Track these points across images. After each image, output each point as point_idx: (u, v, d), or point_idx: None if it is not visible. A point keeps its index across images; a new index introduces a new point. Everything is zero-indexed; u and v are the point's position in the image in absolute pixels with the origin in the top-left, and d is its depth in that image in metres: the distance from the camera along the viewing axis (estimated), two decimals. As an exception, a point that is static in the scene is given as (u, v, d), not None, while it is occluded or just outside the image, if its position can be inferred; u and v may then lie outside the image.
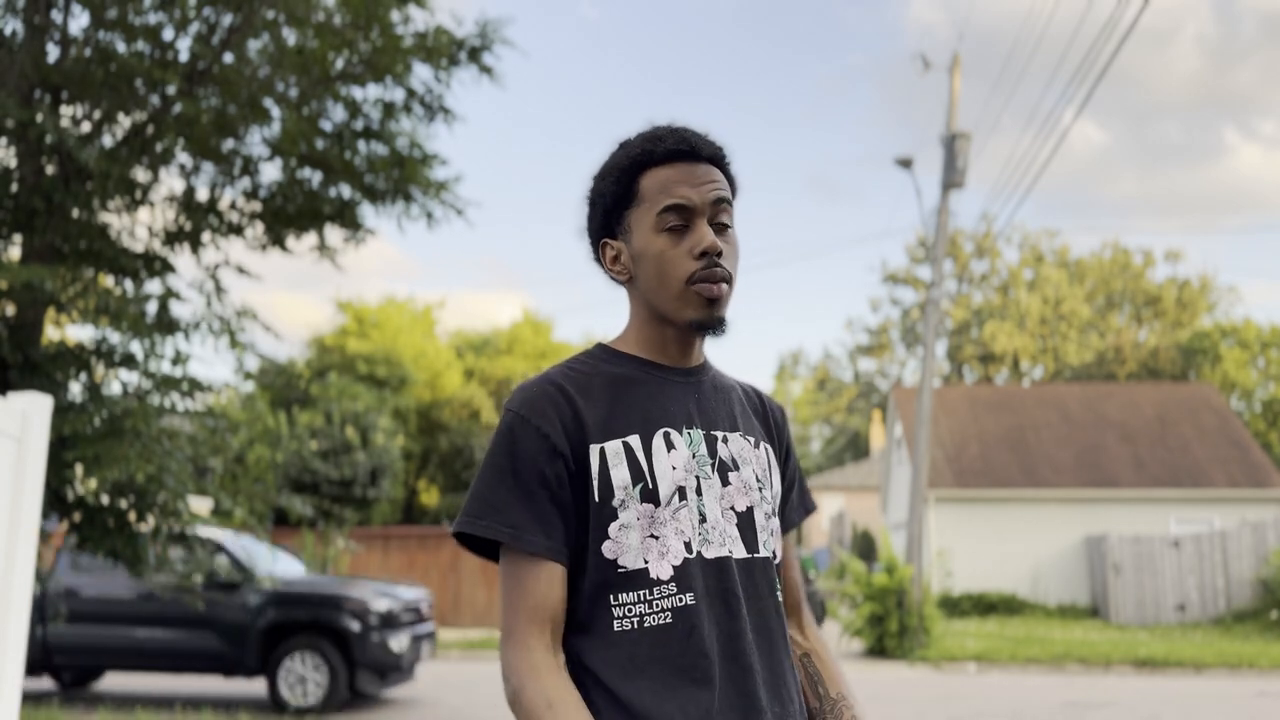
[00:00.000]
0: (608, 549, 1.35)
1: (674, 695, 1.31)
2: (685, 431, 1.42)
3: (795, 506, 1.61)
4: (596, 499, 1.36)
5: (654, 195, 1.42)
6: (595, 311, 69.90)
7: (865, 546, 28.48)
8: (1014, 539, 21.36)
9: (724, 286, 1.41)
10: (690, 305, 1.41)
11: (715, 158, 1.46)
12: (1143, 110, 66.38)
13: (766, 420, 1.58)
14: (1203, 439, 22.97)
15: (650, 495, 1.36)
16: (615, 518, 1.36)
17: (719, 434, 1.45)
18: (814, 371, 52.68)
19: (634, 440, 1.39)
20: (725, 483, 1.42)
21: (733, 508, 1.42)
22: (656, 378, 1.46)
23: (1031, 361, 42.37)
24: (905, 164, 15.57)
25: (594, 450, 1.37)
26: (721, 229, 1.44)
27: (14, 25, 6.66)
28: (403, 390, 28.28)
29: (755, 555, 1.43)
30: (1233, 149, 67.49)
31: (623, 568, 1.35)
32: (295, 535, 17.01)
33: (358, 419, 22.09)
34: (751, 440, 1.49)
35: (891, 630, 13.84)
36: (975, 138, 14.98)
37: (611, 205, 1.46)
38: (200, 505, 12.87)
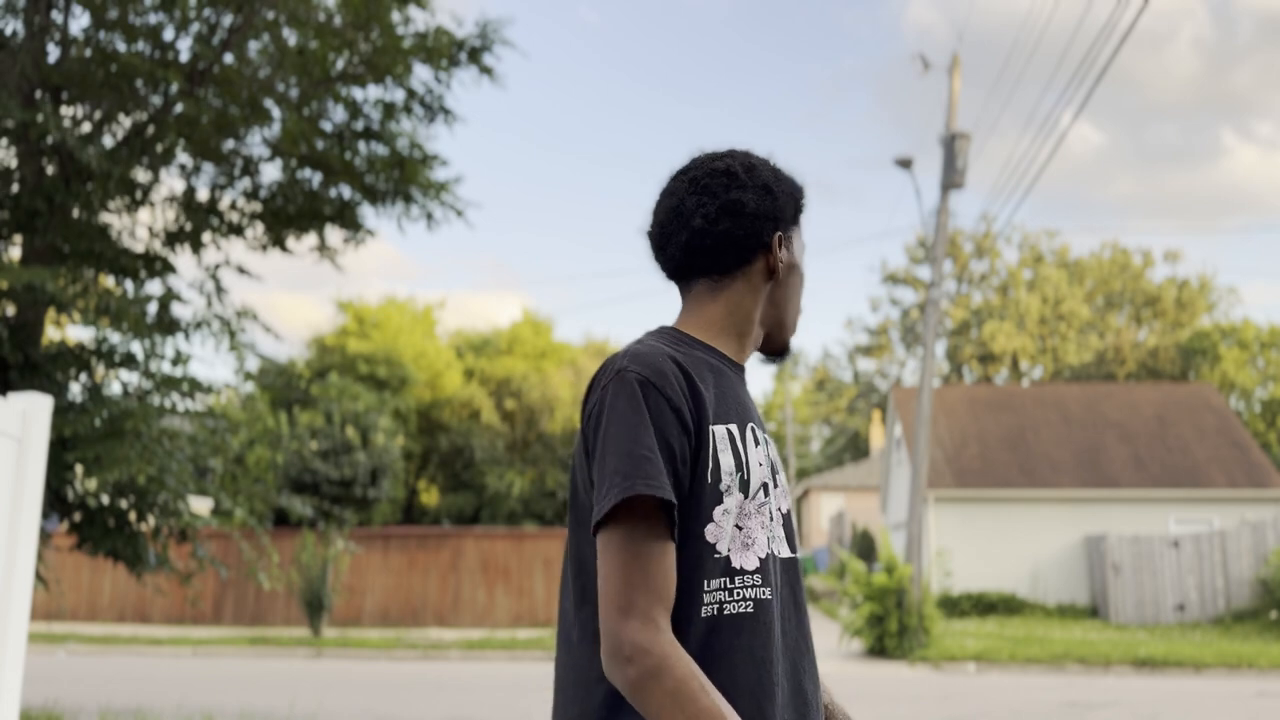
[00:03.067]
0: (710, 532, 1.33)
1: (748, 691, 1.32)
2: (757, 432, 1.46)
3: None
4: (709, 480, 1.34)
5: (803, 234, 1.60)
6: (595, 311, 69.94)
7: (865, 546, 28.47)
8: (1013, 539, 21.36)
9: None
10: (791, 334, 1.58)
11: None
12: (1141, 112, 66.41)
13: None
14: (1202, 439, 22.97)
15: (744, 486, 1.37)
16: (720, 501, 1.34)
17: (768, 437, 1.49)
18: (813, 371, 52.67)
19: (734, 429, 1.39)
20: (776, 484, 1.46)
21: (779, 508, 1.46)
22: (733, 373, 1.48)
23: (1031, 361, 42.37)
24: (905, 164, 15.58)
25: (710, 431, 1.36)
26: None
27: (14, 25, 6.67)
28: (403, 390, 28.29)
29: (794, 556, 1.47)
30: (1230, 150, 67.52)
31: (718, 553, 1.33)
32: (295, 535, 17.01)
33: (358, 419, 22.10)
34: (774, 446, 1.53)
35: (891, 630, 13.84)
36: (974, 140, 14.99)
37: (793, 214, 1.55)
38: (200, 505, 12.88)
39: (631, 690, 1.23)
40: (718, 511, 1.34)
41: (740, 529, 1.36)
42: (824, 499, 38.43)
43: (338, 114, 7.42)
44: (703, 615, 1.31)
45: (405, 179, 7.40)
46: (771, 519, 1.41)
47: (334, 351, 29.13)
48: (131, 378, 6.98)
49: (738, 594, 1.33)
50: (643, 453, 1.28)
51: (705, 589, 1.32)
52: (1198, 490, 21.38)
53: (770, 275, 1.51)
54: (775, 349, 1.56)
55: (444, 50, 7.13)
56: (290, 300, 61.29)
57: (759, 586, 1.35)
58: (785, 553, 1.44)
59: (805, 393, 51.96)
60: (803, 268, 1.57)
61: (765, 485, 1.41)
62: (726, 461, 1.35)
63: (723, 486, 1.35)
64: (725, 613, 1.32)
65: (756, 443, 1.42)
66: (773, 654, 1.35)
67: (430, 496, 31.93)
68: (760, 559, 1.36)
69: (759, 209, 1.48)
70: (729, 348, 1.50)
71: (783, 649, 1.38)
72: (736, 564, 1.34)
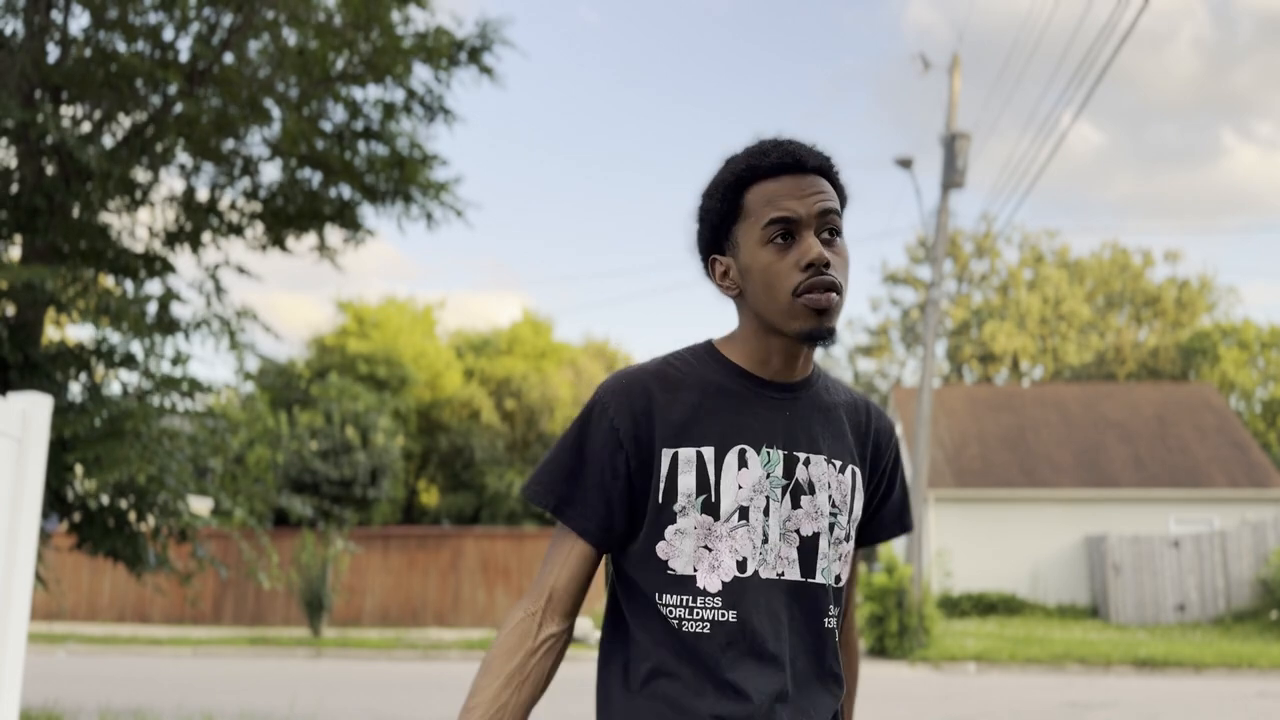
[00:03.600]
0: (661, 549, 1.40)
1: (708, 703, 1.36)
2: (764, 450, 1.42)
3: (889, 524, 1.60)
4: (660, 500, 1.39)
5: (759, 209, 1.42)
6: (595, 311, 69.93)
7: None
8: (1014, 539, 21.36)
9: (832, 296, 1.39)
10: (798, 317, 1.40)
11: (822, 168, 1.45)
12: (1141, 112, 66.39)
13: (865, 441, 1.55)
14: (1203, 439, 22.97)
15: (711, 508, 1.39)
16: (673, 521, 1.39)
17: (801, 455, 1.44)
18: (814, 371, 52.61)
19: (708, 452, 1.40)
20: (796, 505, 1.42)
21: (797, 531, 1.42)
22: (751, 390, 1.45)
23: (1031, 361, 42.37)
24: (905, 164, 15.58)
25: (665, 454, 1.40)
26: (830, 240, 1.43)
27: (14, 25, 6.67)
28: (403, 390, 28.28)
29: (811, 580, 1.43)
30: (1230, 150, 67.47)
31: (671, 570, 1.39)
32: (295, 535, 17.01)
33: (358, 419, 22.10)
34: (837, 465, 1.47)
35: (891, 630, 13.85)
36: (974, 140, 14.99)
37: (719, 221, 1.47)
38: (200, 505, 12.86)
39: None
40: (669, 531, 1.39)
41: (709, 550, 1.39)
42: (824, 499, 38.45)
43: (338, 114, 7.42)
44: (667, 624, 1.39)
45: (405, 179, 7.39)
46: (766, 541, 1.39)
47: (334, 351, 29.13)
48: (131, 378, 6.98)
49: (697, 613, 1.38)
50: (551, 460, 1.45)
51: (660, 601, 1.40)
52: (1198, 490, 21.39)
53: (736, 295, 1.48)
54: (798, 339, 1.42)
55: (444, 50, 7.13)
56: (290, 300, 61.30)
57: (719, 609, 1.37)
58: (793, 576, 1.41)
59: (805, 393, 51.91)
60: (763, 254, 1.40)
61: (744, 509, 1.39)
62: (686, 483, 1.39)
63: (676, 507, 1.39)
64: (684, 629, 1.38)
65: (743, 465, 1.40)
66: (735, 677, 1.36)
67: (430, 496, 31.92)
68: (724, 582, 1.38)
69: (699, 243, 1.52)
70: (753, 363, 1.47)
71: (755, 672, 1.37)
72: (701, 584, 1.38)
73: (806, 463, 1.44)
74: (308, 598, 15.86)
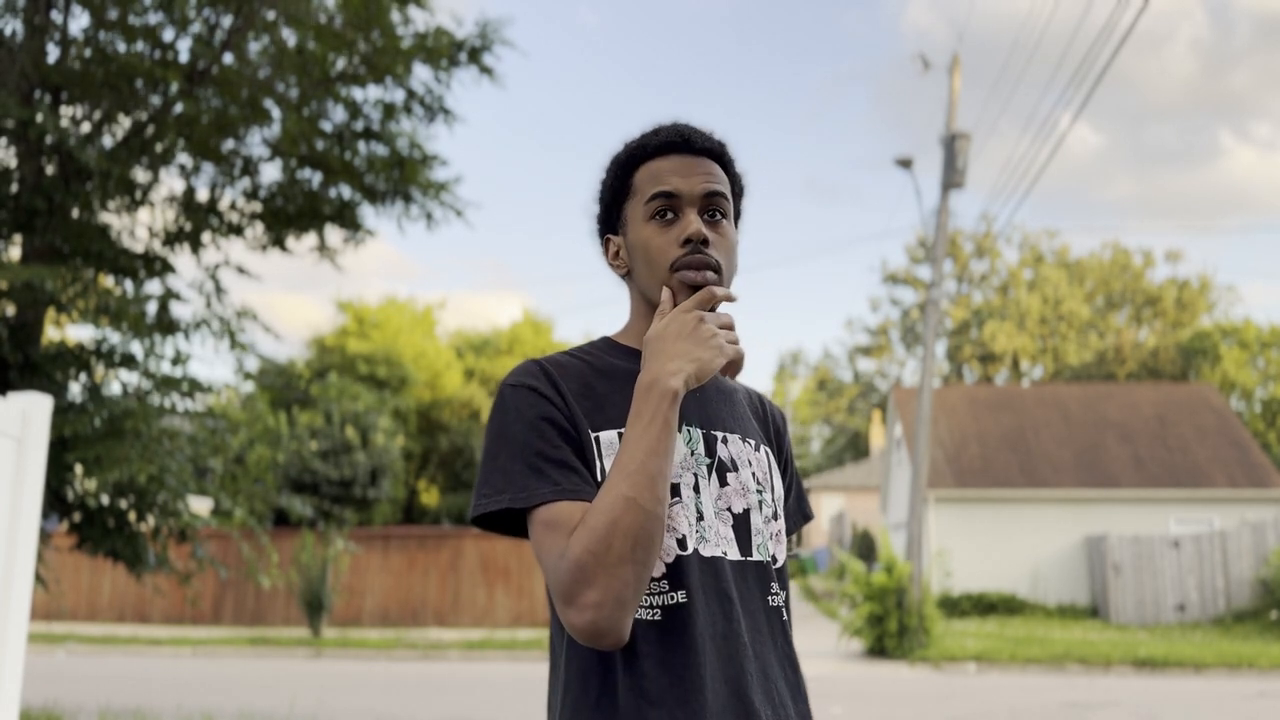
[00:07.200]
0: None
1: (658, 700, 1.26)
2: (684, 429, 1.38)
3: (793, 513, 1.58)
4: (595, 484, 1.30)
5: (645, 186, 1.42)
6: (595, 311, 69.90)
7: (865, 546, 28.47)
8: (1014, 539, 21.36)
9: (709, 274, 1.37)
10: (676, 293, 1.38)
11: (712, 152, 1.44)
12: (1139, 113, 66.42)
13: (767, 425, 1.55)
14: (1203, 439, 22.96)
15: None
16: None
17: (719, 434, 1.42)
18: (814, 371, 52.66)
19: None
20: (723, 483, 1.39)
21: (729, 509, 1.39)
22: None
23: (1031, 361, 42.37)
24: (905, 164, 15.58)
25: (589, 437, 1.33)
26: (714, 221, 1.41)
27: (14, 25, 6.67)
28: (403, 390, 28.28)
29: (749, 558, 1.39)
30: (1228, 151, 67.54)
31: None
32: (295, 535, 17.00)
33: (358, 419, 22.09)
34: (752, 443, 1.46)
35: (891, 630, 13.84)
36: (974, 140, 14.99)
37: (610, 200, 1.48)
38: (200, 505, 12.86)
39: (566, 588, 1.20)
40: None
41: None
42: (824, 499, 38.43)
43: (338, 114, 7.42)
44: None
45: (405, 179, 7.39)
46: (701, 519, 1.34)
47: (334, 351, 29.13)
48: (131, 378, 6.98)
49: (647, 600, 1.29)
50: (488, 467, 1.32)
51: None
52: (1198, 490, 21.37)
53: (625, 274, 1.50)
54: None
55: (444, 50, 7.13)
56: (290, 300, 61.31)
57: (667, 592, 1.29)
58: (733, 555, 1.36)
59: (805, 393, 51.96)
60: (645, 229, 1.41)
61: (675, 486, 1.33)
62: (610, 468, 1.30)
63: None
64: (637, 618, 1.28)
65: None
66: (692, 659, 1.27)
67: (430, 496, 31.92)
68: (668, 563, 1.30)
69: (597, 224, 1.52)
70: None
71: (714, 654, 1.30)
72: None
73: (725, 440, 1.42)
74: (308, 598, 15.85)
